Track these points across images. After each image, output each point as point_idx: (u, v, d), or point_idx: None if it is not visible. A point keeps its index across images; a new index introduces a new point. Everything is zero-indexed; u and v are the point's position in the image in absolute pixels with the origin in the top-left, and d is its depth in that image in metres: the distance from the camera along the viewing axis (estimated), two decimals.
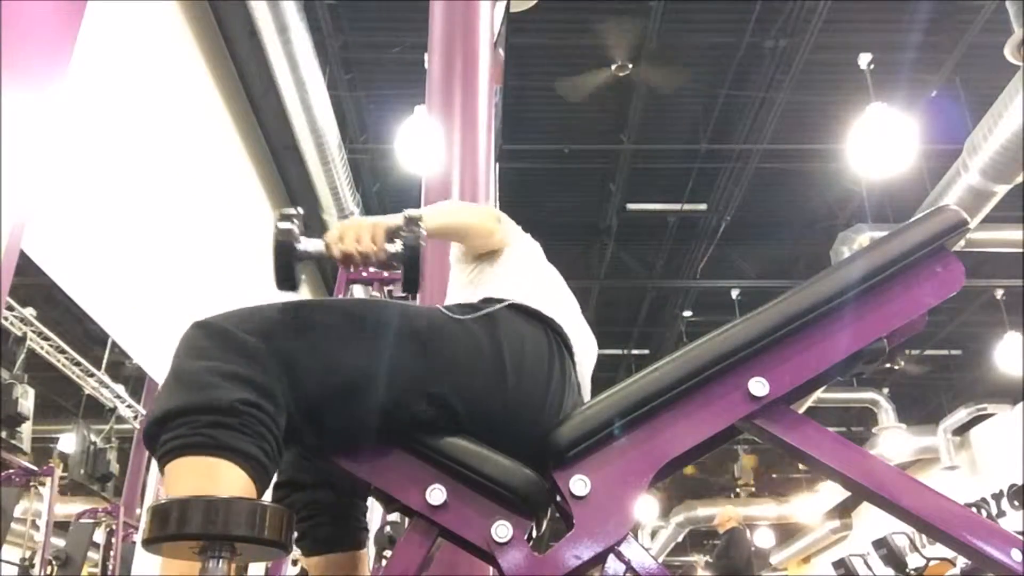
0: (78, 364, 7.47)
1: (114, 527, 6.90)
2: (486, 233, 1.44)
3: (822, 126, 6.72)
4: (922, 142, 5.92)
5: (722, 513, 7.75)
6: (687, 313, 9.29)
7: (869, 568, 7.02)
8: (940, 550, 6.36)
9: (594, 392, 1.11)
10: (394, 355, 1.13)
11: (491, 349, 1.18)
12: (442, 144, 2.54)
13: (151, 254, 4.38)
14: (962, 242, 1.12)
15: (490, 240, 1.46)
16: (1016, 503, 9.06)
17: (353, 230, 1.19)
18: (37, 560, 6.59)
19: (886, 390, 10.61)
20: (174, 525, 0.82)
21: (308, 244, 1.17)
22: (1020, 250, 6.65)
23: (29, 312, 6.80)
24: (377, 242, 1.18)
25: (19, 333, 6.67)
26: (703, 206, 7.74)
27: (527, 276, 1.43)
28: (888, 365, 9.73)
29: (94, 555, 7.67)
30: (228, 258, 5.53)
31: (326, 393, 1.09)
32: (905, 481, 0.96)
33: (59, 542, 7.45)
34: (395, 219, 1.22)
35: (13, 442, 6.21)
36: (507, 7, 3.97)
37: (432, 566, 1.11)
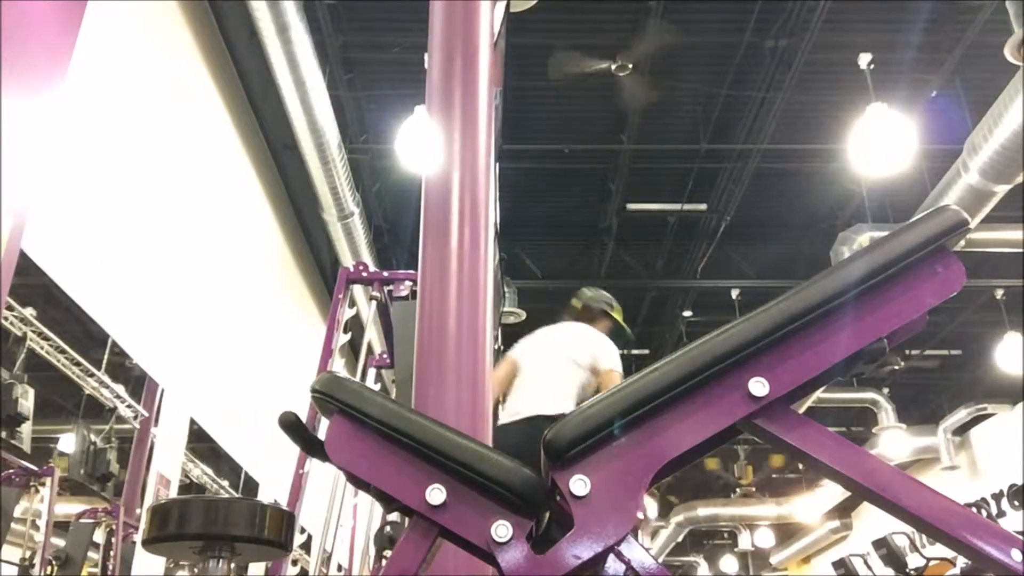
0: (78, 364, 7.45)
1: (114, 527, 6.88)
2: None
3: (822, 126, 6.72)
4: (922, 142, 5.91)
5: None
6: (687, 313, 9.28)
7: (869, 568, 7.03)
8: (940, 550, 6.37)
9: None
10: None
11: None
12: (442, 144, 2.54)
13: (151, 254, 4.38)
14: (962, 242, 1.12)
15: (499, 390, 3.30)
16: (1016, 503, 9.07)
17: None
18: (37, 560, 6.59)
19: (886, 390, 10.61)
20: (174, 525, 0.82)
21: None
22: (1020, 250, 6.65)
23: (29, 312, 6.80)
24: None
25: (19, 333, 6.67)
26: (703, 206, 7.73)
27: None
28: (888, 365, 9.72)
29: (94, 555, 7.66)
30: (228, 257, 5.53)
31: None
32: (905, 481, 0.96)
33: (59, 542, 7.44)
34: None
35: (13, 442, 6.21)
36: (507, 7, 3.97)
37: (432, 566, 1.11)
